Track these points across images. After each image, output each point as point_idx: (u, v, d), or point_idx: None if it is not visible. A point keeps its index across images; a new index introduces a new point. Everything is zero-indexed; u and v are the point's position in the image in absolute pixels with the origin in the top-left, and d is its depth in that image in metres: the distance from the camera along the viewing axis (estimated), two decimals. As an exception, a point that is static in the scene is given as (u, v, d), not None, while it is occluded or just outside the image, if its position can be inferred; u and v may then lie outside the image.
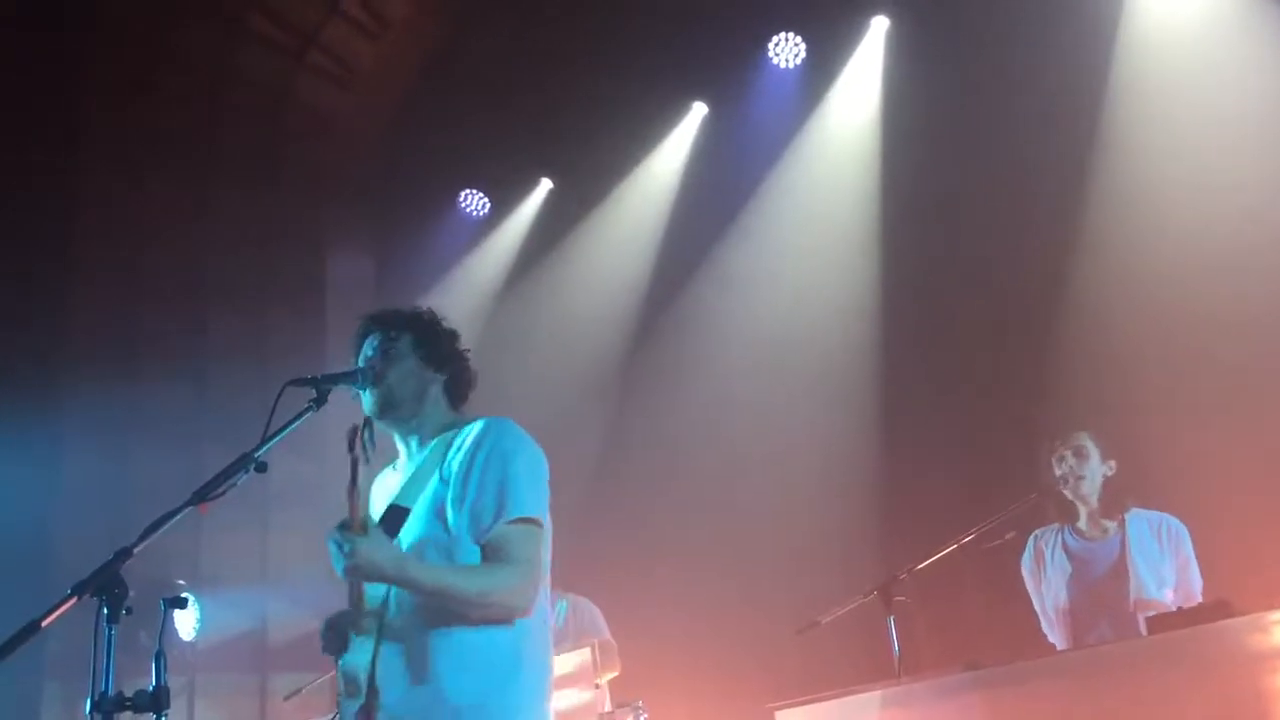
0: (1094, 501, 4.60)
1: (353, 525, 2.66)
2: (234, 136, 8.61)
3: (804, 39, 7.44)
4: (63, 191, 8.17)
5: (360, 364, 3.05)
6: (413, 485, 2.87)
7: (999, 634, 5.61)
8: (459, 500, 2.78)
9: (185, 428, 7.85)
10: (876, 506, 6.42)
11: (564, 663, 4.94)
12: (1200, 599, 4.34)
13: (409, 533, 2.83)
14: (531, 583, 2.77)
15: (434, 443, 2.95)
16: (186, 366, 8.19)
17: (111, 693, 2.34)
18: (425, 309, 3.16)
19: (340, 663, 2.83)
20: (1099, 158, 6.10)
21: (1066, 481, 4.58)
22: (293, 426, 2.85)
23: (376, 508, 3.03)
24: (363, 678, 2.72)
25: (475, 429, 2.85)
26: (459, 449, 2.84)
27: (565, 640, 5.45)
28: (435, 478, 2.83)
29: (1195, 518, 4.62)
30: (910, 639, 4.46)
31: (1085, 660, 3.96)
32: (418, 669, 2.71)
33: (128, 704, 2.34)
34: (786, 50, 7.48)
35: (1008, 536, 4.44)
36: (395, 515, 2.86)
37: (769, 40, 7.46)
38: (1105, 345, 5.86)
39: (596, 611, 5.82)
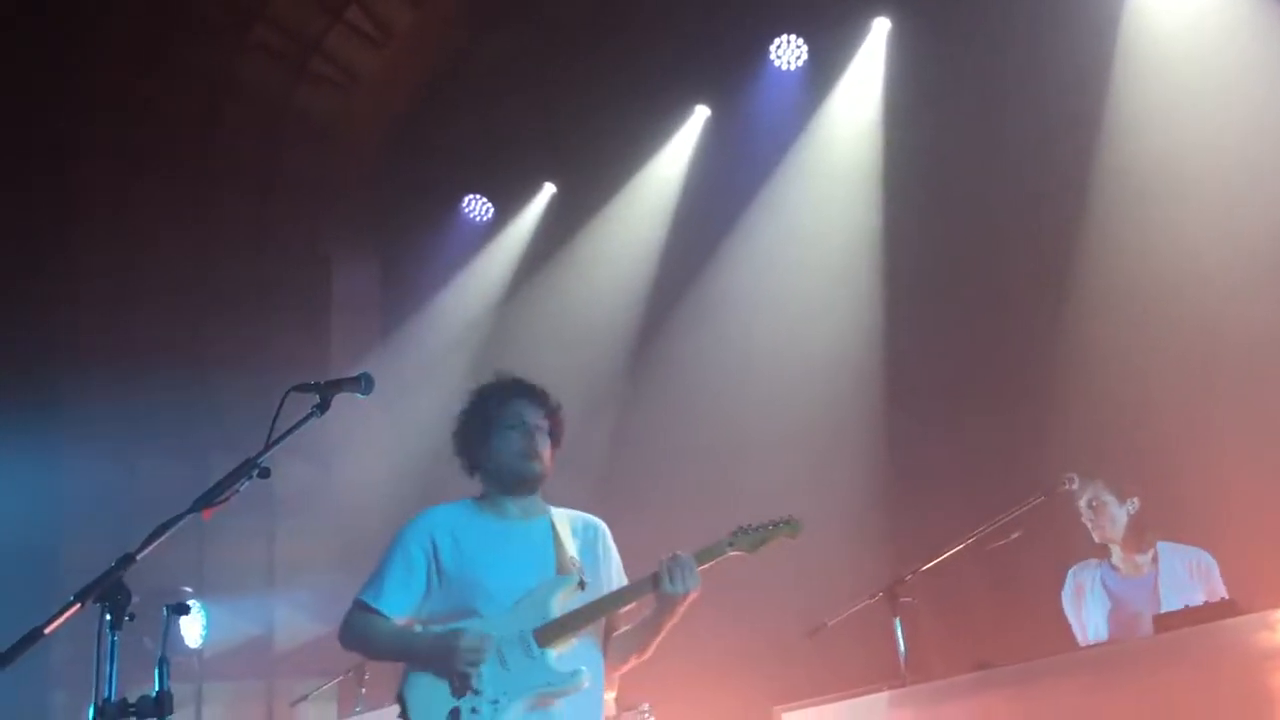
0: (1120, 538, 4.67)
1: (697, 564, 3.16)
2: (237, 145, 8.61)
3: (805, 41, 7.41)
4: (65, 203, 8.19)
5: (512, 421, 3.38)
6: (570, 552, 3.33)
7: (1007, 634, 5.59)
8: (595, 580, 3.30)
9: (190, 435, 7.86)
10: (884, 508, 6.41)
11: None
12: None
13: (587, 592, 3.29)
14: None
15: (546, 518, 3.39)
16: (191, 375, 8.20)
17: (115, 699, 2.34)
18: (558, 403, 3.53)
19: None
20: (1104, 156, 6.08)
21: (1094, 530, 4.70)
22: (295, 432, 2.86)
23: (473, 539, 3.34)
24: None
25: (598, 525, 3.48)
26: (597, 537, 3.43)
27: None
28: (585, 555, 3.34)
29: (1206, 525, 4.62)
30: (918, 640, 4.45)
31: (1094, 659, 3.96)
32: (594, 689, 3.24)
33: (131, 710, 2.34)
34: (788, 52, 7.45)
35: (1013, 536, 4.44)
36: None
37: (770, 43, 7.44)
38: (1112, 347, 5.84)
39: None
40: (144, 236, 8.35)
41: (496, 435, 3.37)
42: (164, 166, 8.38)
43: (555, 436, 3.45)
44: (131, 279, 8.31)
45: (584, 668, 3.16)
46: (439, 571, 3.31)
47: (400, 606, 3.32)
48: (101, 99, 8.18)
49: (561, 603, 3.20)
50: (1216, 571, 4.57)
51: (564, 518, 3.41)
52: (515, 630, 3.17)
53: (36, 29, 7.60)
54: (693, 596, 3.15)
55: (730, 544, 3.23)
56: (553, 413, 3.45)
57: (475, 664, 3.13)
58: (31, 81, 7.64)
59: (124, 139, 8.27)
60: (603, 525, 3.48)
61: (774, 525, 3.22)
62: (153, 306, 8.33)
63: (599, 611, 3.22)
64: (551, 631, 3.16)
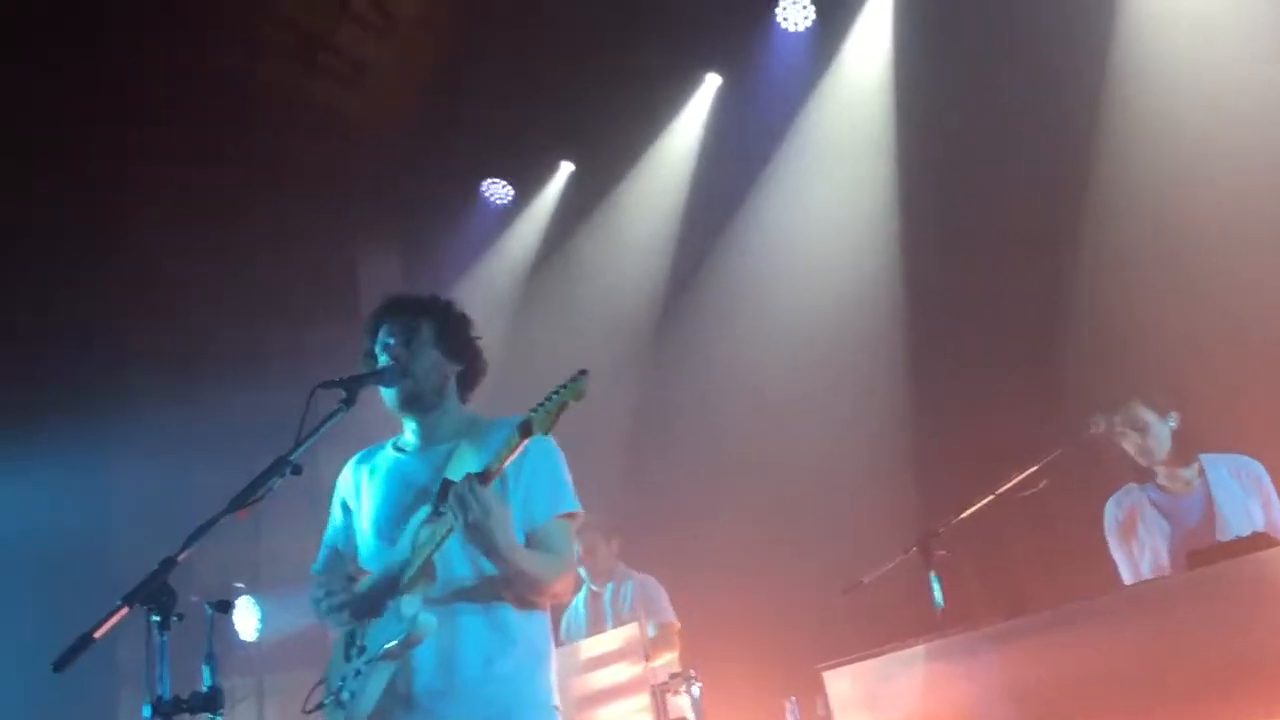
0: (1165, 457, 4.57)
1: (489, 479, 2.73)
2: (260, 147, 8.68)
3: (812, 0, 7.39)
4: (98, 215, 8.31)
5: (378, 350, 3.11)
6: (457, 472, 2.92)
7: (1046, 579, 5.62)
8: (513, 489, 2.92)
9: (237, 436, 7.97)
10: (913, 462, 6.43)
11: (614, 638, 5.01)
12: (1290, 532, 4.29)
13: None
14: (574, 573, 3.10)
15: (463, 438, 3.02)
16: (235, 376, 8.31)
17: (169, 696, 2.43)
18: (443, 297, 3.23)
19: (364, 628, 2.89)
20: (1112, 102, 6.05)
21: (1141, 455, 4.58)
22: (325, 428, 2.91)
23: (366, 487, 3.13)
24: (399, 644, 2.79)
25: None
26: (526, 451, 2.84)
27: (634, 620, 5.52)
28: (480, 468, 2.82)
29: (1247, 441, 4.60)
30: (958, 591, 4.48)
31: (1127, 599, 3.97)
32: (467, 643, 2.85)
33: (184, 705, 2.43)
34: (795, 14, 7.44)
35: (1041, 485, 4.44)
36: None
37: (777, 5, 7.43)
38: (1135, 290, 5.81)
39: (662, 593, 5.86)
40: (179, 242, 8.46)
41: None
42: (186, 173, 8.48)
43: (446, 334, 3.10)
44: (172, 285, 8.44)
45: (420, 615, 2.78)
46: (347, 522, 3.16)
47: (321, 565, 3.20)
48: (124, 114, 8.26)
49: (421, 541, 2.86)
50: (1265, 475, 4.47)
51: (484, 433, 2.95)
52: (389, 577, 2.90)
53: (46, 49, 7.69)
54: (490, 521, 2.69)
55: (519, 432, 2.70)
56: (417, 313, 3.12)
57: (342, 624, 2.93)
58: (56, 103, 7.74)
59: (144, 149, 8.36)
60: (543, 439, 2.81)
61: (559, 390, 2.66)
62: (194, 310, 8.46)
63: (422, 547, 2.83)
64: (411, 575, 2.84)
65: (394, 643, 2.78)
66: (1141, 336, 5.59)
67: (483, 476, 2.71)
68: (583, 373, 2.66)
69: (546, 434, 2.68)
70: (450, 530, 2.75)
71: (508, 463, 2.75)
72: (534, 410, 2.68)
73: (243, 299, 8.63)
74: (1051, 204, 6.17)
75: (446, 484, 2.84)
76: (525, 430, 2.67)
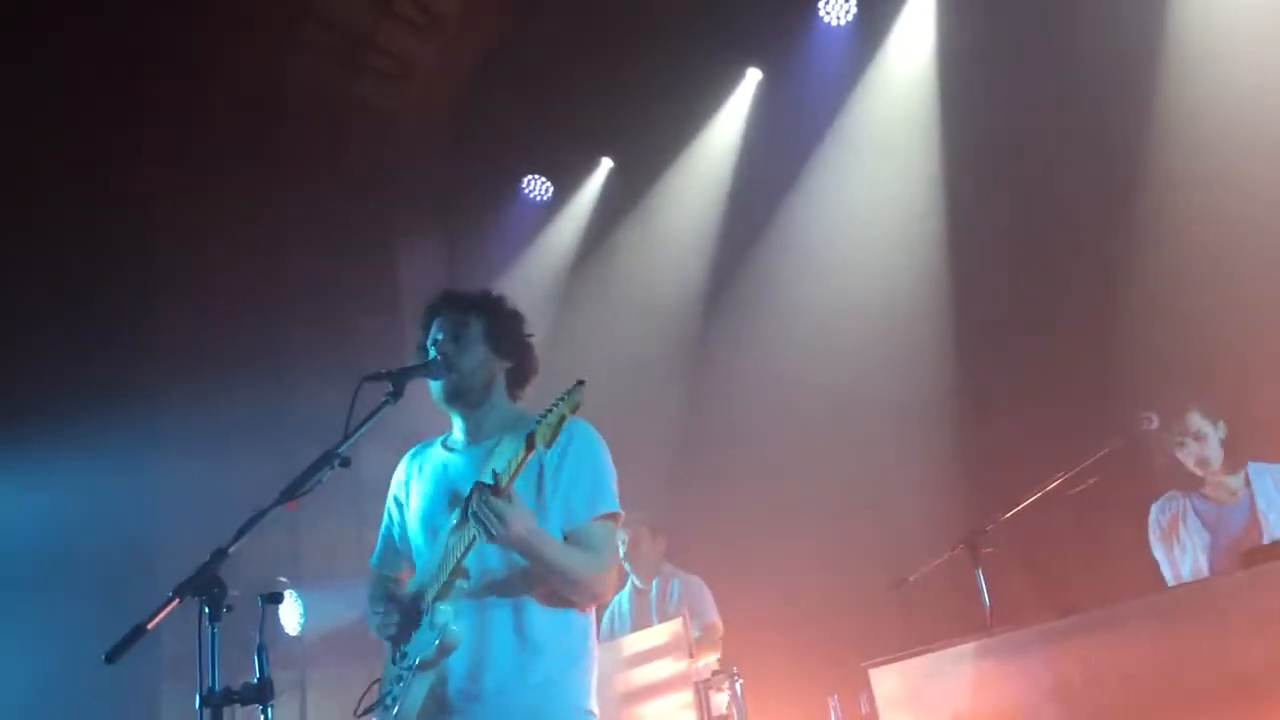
0: (1219, 466, 4.54)
1: (500, 492, 2.72)
2: (299, 145, 8.74)
3: (854, -6, 7.36)
4: (139, 214, 8.39)
5: (429, 345, 3.11)
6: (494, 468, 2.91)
7: (1094, 577, 5.56)
8: (551, 490, 2.92)
9: (276, 430, 8.03)
10: (961, 460, 6.39)
11: (658, 633, 5.01)
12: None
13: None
14: (615, 574, 3.04)
15: (506, 433, 2.99)
16: (273, 369, 8.37)
17: (219, 688, 2.44)
18: (495, 293, 3.22)
19: (409, 640, 2.91)
20: (1163, 94, 5.96)
21: (1198, 465, 4.54)
22: (372, 421, 2.92)
23: (416, 483, 3.16)
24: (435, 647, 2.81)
25: (566, 433, 2.82)
26: (560, 452, 2.90)
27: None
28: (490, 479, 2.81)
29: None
30: (1006, 590, 4.45)
31: (1179, 598, 3.92)
32: (497, 648, 2.85)
33: (235, 697, 2.44)
34: (837, 7, 7.40)
35: (1090, 482, 4.40)
36: None
37: (819, -1, 7.40)
38: (1183, 290, 5.73)
39: (708, 594, 5.87)
40: (217, 240, 8.53)
41: None
42: (229, 171, 8.54)
43: (496, 330, 3.09)
44: (211, 280, 8.51)
45: (450, 624, 2.80)
46: (401, 518, 3.19)
47: (377, 558, 3.24)
48: (165, 116, 8.35)
49: (450, 547, 2.85)
50: None
51: (526, 429, 2.81)
52: (426, 583, 2.91)
53: (92, 39, 7.75)
54: (508, 531, 2.69)
55: (525, 446, 2.70)
56: (467, 309, 3.11)
57: (385, 630, 2.96)
58: (94, 95, 7.81)
59: (189, 149, 8.44)
60: (578, 433, 2.93)
61: (558, 403, 2.67)
62: (233, 305, 8.51)
63: (450, 554, 2.83)
64: (444, 582, 2.84)
65: (428, 653, 2.82)
66: (1189, 337, 5.53)
67: (494, 490, 2.71)
68: (580, 383, 2.68)
69: (548, 447, 2.69)
70: (474, 539, 2.76)
71: (517, 475, 2.75)
72: (538, 421, 2.68)
73: (286, 295, 8.69)
74: (1100, 200, 6.10)
75: (476, 486, 2.82)
76: (529, 444, 2.68)
